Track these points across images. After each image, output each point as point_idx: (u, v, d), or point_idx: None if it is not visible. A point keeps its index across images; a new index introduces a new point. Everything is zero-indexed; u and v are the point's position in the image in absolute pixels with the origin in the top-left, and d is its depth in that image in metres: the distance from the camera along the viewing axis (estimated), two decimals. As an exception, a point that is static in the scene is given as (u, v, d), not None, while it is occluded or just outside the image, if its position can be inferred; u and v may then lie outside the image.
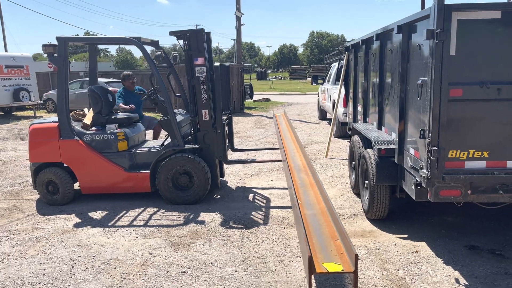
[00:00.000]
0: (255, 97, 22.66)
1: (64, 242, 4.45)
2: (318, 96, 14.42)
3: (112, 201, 5.70)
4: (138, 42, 5.49)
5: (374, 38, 5.26)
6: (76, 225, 4.93)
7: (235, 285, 3.47)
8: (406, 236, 4.41)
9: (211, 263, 3.89)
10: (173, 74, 6.38)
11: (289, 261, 3.89)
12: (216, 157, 5.80)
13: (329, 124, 13.07)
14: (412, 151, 4.01)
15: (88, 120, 5.91)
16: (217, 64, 5.69)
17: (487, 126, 3.46)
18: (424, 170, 3.54)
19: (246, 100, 18.72)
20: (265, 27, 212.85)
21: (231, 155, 6.98)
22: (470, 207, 4.88)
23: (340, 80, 8.05)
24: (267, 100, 23.36)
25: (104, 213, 5.32)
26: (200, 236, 4.53)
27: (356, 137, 5.75)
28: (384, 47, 5.07)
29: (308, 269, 2.47)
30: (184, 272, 3.72)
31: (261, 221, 4.93)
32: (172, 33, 5.65)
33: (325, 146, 8.86)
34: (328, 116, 13.94)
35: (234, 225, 4.82)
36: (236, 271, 3.73)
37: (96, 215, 5.26)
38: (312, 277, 2.83)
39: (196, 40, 5.51)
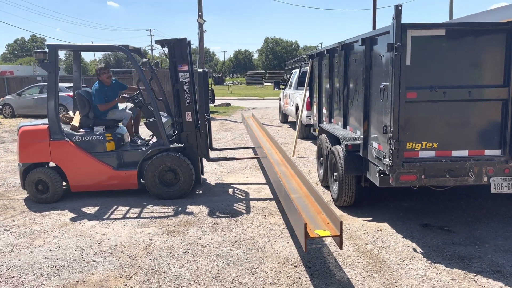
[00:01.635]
0: (216, 102, 23.19)
1: (66, 233, 4.83)
2: (280, 100, 15.18)
3: (101, 198, 6.08)
4: (126, 49, 5.94)
5: (339, 48, 6.00)
6: (73, 219, 5.30)
7: (232, 261, 4.04)
8: (371, 219, 5.15)
9: (207, 244, 4.43)
10: (155, 79, 6.84)
11: (275, 241, 4.51)
12: (199, 155, 6.33)
13: (291, 127, 13.88)
14: (375, 145, 4.76)
15: (76, 122, 6.26)
16: (200, 70, 6.25)
17: (435, 122, 4.25)
18: (387, 159, 4.28)
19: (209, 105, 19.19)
20: (219, 33, 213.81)
21: (210, 154, 7.49)
22: (422, 194, 5.71)
23: (305, 86, 8.79)
24: (228, 104, 23.96)
25: (96, 208, 5.70)
26: (192, 224, 5.05)
27: (323, 136, 6.47)
28: (348, 56, 5.82)
29: (304, 234, 3.09)
30: (185, 252, 4.25)
31: (244, 211, 5.51)
32: (157, 42, 6.15)
33: (289, 146, 9.58)
34: (290, 119, 14.75)
35: (220, 215, 5.37)
36: (231, 249, 4.29)
37: (89, 210, 5.64)
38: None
39: (180, 48, 6.04)
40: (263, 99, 30.34)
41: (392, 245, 4.36)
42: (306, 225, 3.09)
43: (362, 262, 3.98)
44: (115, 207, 5.74)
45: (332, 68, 6.71)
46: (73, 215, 5.45)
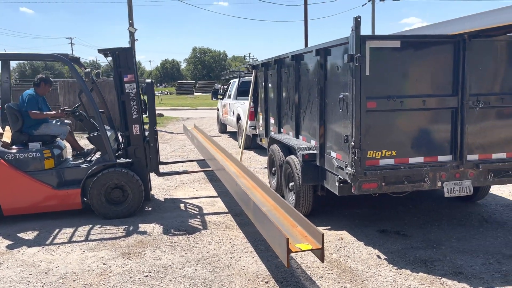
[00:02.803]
0: (148, 113, 22.44)
1: (4, 263, 4.29)
2: (218, 110, 15.03)
3: (38, 221, 5.52)
4: (66, 59, 5.50)
5: (289, 59, 6.02)
6: (10, 247, 4.74)
7: (200, 281, 3.83)
8: (329, 227, 5.18)
9: (170, 266, 4.17)
10: (96, 90, 6.41)
11: (240, 257, 4.35)
12: (149, 170, 6.01)
13: (231, 137, 13.79)
14: (334, 154, 4.80)
15: (7, 138, 5.66)
16: (148, 80, 5.96)
17: (394, 131, 4.39)
18: (349, 168, 4.32)
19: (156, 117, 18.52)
20: (145, 42, 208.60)
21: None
22: (372, 201, 5.87)
23: (249, 96, 8.75)
24: (161, 115, 23.29)
25: (35, 233, 5.16)
26: (148, 244, 4.74)
27: (275, 146, 6.44)
28: (299, 67, 5.85)
29: (286, 249, 2.99)
30: (147, 276, 3.95)
31: (200, 227, 5.29)
32: (100, 51, 5.76)
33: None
34: (229, 129, 14.64)
35: (176, 233, 5.10)
36: (196, 269, 4.07)
37: (27, 235, 5.09)
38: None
39: (125, 57, 5.72)
40: (196, 109, 29.98)
41: (356, 253, 4.40)
42: (288, 240, 2.99)
43: (332, 273, 3.96)
44: (57, 230, 5.24)
45: (281, 78, 6.73)
46: (9, 242, 4.87)
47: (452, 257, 4.22)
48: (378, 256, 4.30)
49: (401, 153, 4.42)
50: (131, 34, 17.65)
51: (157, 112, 25.74)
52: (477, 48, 4.38)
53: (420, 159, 4.46)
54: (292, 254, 4.31)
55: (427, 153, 4.48)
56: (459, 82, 4.39)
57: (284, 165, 5.88)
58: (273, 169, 6.59)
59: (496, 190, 6.51)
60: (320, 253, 3.16)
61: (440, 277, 3.82)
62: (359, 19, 4.06)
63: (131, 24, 17.51)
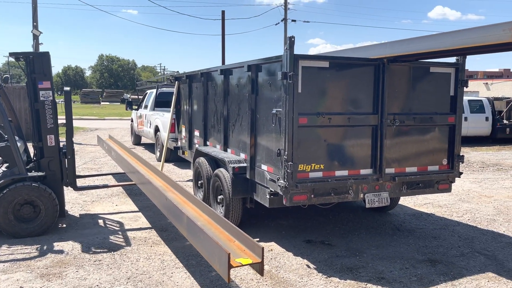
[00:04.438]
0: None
1: None
2: (132, 121, 14.50)
3: None
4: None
5: (218, 73, 6.06)
6: None
7: (132, 301, 3.65)
8: (258, 239, 5.25)
9: (97, 285, 3.91)
10: (3, 97, 5.83)
11: (172, 273, 4.23)
12: (65, 184, 5.60)
13: (146, 149, 13.36)
14: (264, 167, 4.91)
15: None
16: (66, 88, 5.59)
17: (322, 145, 4.62)
18: (282, 181, 4.45)
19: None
20: (45, 46, 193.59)
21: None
22: (294, 212, 6.09)
23: (172, 108, 8.59)
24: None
25: None
26: (68, 264, 4.40)
27: (202, 159, 6.38)
28: (228, 81, 5.91)
29: (227, 264, 2.97)
30: (72, 298, 3.66)
31: (124, 244, 5.04)
32: (12, 54, 5.29)
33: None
34: (144, 141, 14.18)
35: (99, 250, 4.81)
36: (127, 288, 3.87)
37: None
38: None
39: (41, 63, 5.34)
40: (104, 119, 28.61)
41: (287, 264, 4.52)
42: (230, 255, 2.98)
43: (266, 284, 4.02)
44: (-43, 252, 4.64)
45: (208, 91, 6.73)
46: None
47: (373, 264, 4.53)
48: (308, 266, 4.46)
49: (329, 167, 4.66)
50: (35, 37, 16.39)
51: (60, 121, 24.24)
52: (394, 72, 4.81)
53: (345, 172, 4.75)
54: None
55: (351, 166, 4.78)
56: (379, 102, 4.77)
57: (212, 178, 5.85)
58: (199, 182, 6.52)
59: (403, 200, 7.13)
60: (259, 267, 3.20)
61: (365, 283, 4.07)
62: (293, 39, 4.24)
63: (35, 27, 16.27)
